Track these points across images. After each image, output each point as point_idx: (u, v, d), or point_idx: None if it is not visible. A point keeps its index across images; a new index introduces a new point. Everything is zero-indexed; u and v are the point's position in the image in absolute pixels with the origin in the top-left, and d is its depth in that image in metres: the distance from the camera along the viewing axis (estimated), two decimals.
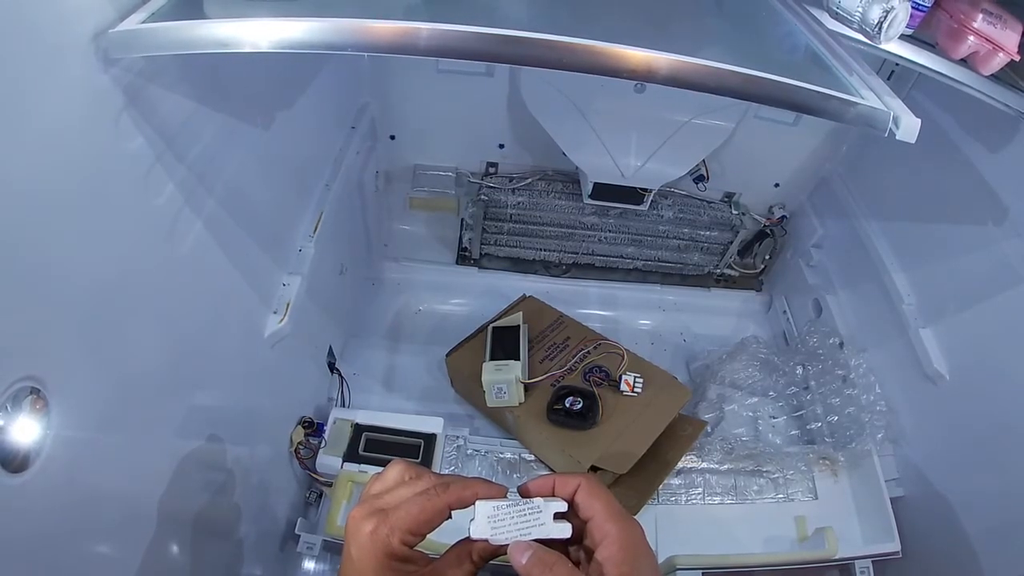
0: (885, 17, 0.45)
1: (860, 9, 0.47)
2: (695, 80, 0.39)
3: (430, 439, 0.81)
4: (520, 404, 0.85)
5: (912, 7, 0.51)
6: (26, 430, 0.36)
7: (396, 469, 0.37)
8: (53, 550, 0.39)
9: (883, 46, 0.50)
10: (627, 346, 0.92)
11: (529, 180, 1.10)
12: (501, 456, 0.85)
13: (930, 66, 0.62)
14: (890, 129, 0.44)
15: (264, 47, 0.39)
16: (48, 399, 0.37)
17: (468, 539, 0.36)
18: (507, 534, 0.35)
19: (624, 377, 0.86)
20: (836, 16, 0.51)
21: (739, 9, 0.61)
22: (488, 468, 0.84)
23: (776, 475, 0.85)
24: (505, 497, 0.37)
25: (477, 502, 0.35)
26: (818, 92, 0.42)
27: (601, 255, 1.20)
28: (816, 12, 0.56)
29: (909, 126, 0.44)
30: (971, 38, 0.56)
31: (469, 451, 0.85)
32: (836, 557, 0.74)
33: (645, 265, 1.21)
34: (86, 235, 0.40)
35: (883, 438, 0.85)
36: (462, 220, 1.15)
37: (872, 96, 0.45)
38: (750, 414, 0.93)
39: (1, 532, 0.35)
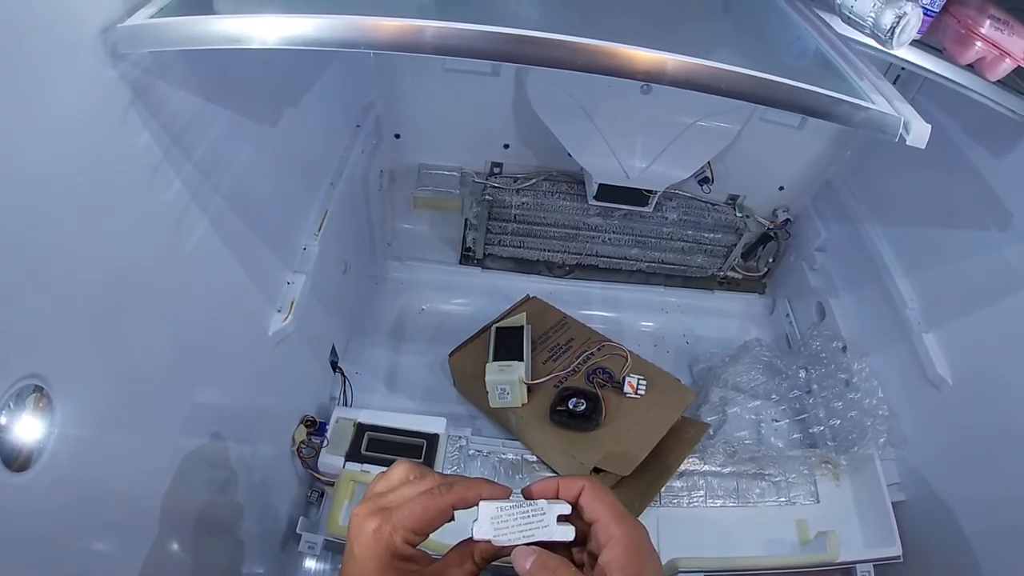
0: (898, 22, 0.45)
1: (873, 14, 0.46)
2: (707, 82, 0.39)
3: (432, 439, 0.80)
4: (523, 405, 0.85)
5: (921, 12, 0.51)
6: (29, 429, 0.36)
7: (401, 468, 0.37)
8: (56, 548, 0.39)
9: (894, 51, 0.50)
10: (630, 348, 0.92)
11: (534, 180, 1.10)
12: (503, 457, 0.85)
13: (937, 71, 0.62)
14: (900, 134, 0.44)
15: (272, 43, 0.39)
16: (52, 397, 0.37)
17: (471, 540, 0.35)
18: (510, 536, 0.35)
19: (627, 379, 0.86)
20: (848, 21, 0.51)
21: (748, 12, 0.61)
22: (490, 469, 0.84)
23: (778, 478, 0.85)
24: (509, 498, 0.36)
25: (481, 503, 0.35)
26: (829, 96, 0.42)
27: (605, 256, 1.20)
28: (826, 16, 0.56)
29: (919, 132, 0.44)
30: (978, 44, 0.56)
31: (471, 451, 0.84)
32: (838, 561, 0.74)
33: (649, 267, 1.21)
34: (92, 231, 0.40)
35: (885, 442, 0.85)
36: (466, 220, 1.15)
37: (883, 101, 0.45)
38: (752, 417, 0.93)
39: (4, 531, 0.34)
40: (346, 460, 0.78)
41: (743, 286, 1.26)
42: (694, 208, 1.13)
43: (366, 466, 0.77)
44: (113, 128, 0.41)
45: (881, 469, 0.83)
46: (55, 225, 0.37)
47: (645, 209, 1.05)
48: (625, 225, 1.14)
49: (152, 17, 0.40)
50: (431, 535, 0.35)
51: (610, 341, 0.94)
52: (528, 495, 0.37)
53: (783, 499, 0.84)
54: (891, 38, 0.46)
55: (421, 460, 0.79)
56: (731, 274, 1.24)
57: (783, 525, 0.81)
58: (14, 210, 0.34)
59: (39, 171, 0.35)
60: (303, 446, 0.79)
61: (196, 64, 0.49)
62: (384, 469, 0.38)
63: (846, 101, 0.43)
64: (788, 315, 1.16)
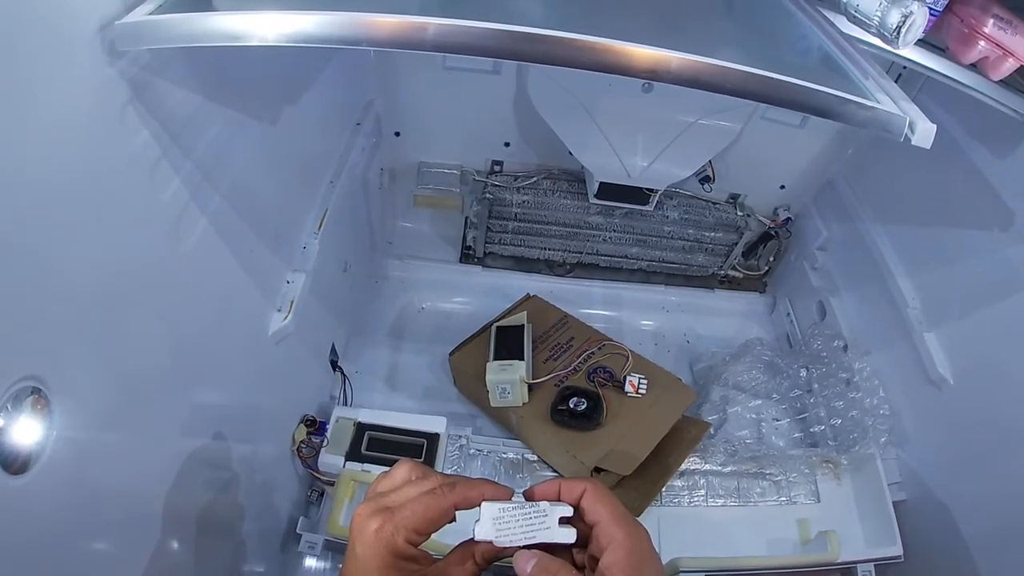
0: (904, 22, 0.45)
1: (879, 13, 0.46)
2: (713, 81, 0.38)
3: (433, 438, 0.80)
4: (524, 404, 0.85)
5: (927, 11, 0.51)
6: (27, 431, 0.35)
7: (403, 468, 0.37)
8: (55, 551, 0.39)
9: (900, 51, 0.50)
10: (630, 347, 0.92)
11: (534, 179, 1.10)
12: (504, 456, 0.85)
13: (940, 70, 0.62)
14: (906, 134, 0.43)
15: (272, 40, 0.38)
16: (50, 399, 0.37)
17: (472, 540, 0.35)
18: (511, 537, 0.35)
19: (629, 378, 0.86)
20: (854, 20, 0.50)
21: (752, 11, 0.61)
22: (491, 468, 0.84)
23: (779, 478, 0.85)
24: (511, 499, 0.36)
25: (483, 503, 0.35)
26: (835, 96, 0.42)
27: (606, 255, 1.19)
28: (831, 15, 0.56)
29: (924, 132, 0.43)
30: (982, 43, 0.56)
31: (472, 451, 0.84)
32: (838, 560, 0.74)
33: (649, 265, 1.21)
34: (90, 230, 0.39)
35: (886, 442, 0.85)
36: (466, 218, 1.14)
37: (888, 101, 0.44)
38: (753, 416, 0.93)
39: (3, 533, 0.34)
40: (346, 460, 0.77)
41: (744, 285, 1.26)
42: (695, 207, 1.13)
43: (366, 466, 0.77)
44: (111, 126, 0.41)
45: (882, 468, 0.83)
46: (53, 224, 0.36)
47: (646, 208, 1.05)
48: (626, 224, 1.14)
49: (151, 14, 0.40)
50: (433, 535, 0.35)
51: (611, 340, 0.94)
52: (530, 497, 0.37)
53: (784, 498, 0.84)
54: (897, 37, 0.45)
55: (422, 459, 0.79)
56: (732, 273, 1.24)
57: (784, 524, 0.81)
58: (11, 209, 0.33)
59: (36, 170, 0.35)
60: (303, 446, 0.79)
61: (195, 62, 0.48)
62: (384, 468, 0.38)
63: (852, 100, 0.42)
64: (789, 314, 1.16)
